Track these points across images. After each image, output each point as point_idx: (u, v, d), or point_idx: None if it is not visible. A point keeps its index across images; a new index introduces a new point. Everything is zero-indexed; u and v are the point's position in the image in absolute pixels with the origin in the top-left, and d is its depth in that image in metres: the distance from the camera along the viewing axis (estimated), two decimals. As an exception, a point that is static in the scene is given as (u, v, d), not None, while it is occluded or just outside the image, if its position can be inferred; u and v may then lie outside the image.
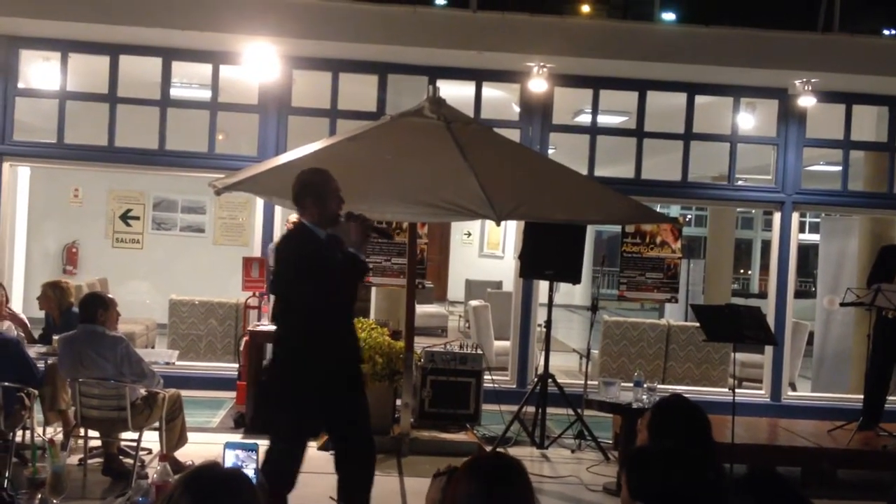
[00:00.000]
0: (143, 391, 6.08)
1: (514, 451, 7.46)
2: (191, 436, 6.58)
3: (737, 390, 9.81)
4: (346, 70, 9.23)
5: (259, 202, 9.19)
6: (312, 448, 7.21)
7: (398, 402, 7.39)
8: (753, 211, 18.63)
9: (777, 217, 9.60)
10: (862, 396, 7.77)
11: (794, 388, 10.11)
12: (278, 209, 9.23)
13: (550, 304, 8.00)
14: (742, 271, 22.33)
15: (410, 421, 7.23)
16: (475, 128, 6.73)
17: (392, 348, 7.31)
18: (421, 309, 14.14)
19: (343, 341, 4.82)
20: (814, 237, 16.40)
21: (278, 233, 9.33)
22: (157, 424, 6.12)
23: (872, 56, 8.92)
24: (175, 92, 9.47)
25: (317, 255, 4.57)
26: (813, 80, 8.86)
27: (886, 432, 7.27)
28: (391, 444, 7.09)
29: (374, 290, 9.92)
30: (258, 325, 8.24)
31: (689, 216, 21.41)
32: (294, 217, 9.03)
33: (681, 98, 9.46)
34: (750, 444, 7.04)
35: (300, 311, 4.66)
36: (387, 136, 6.46)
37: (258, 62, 8.77)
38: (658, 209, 15.41)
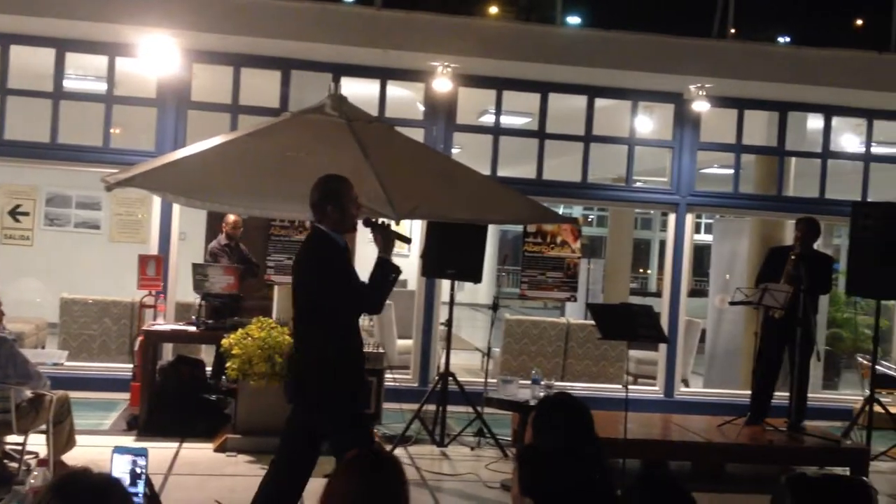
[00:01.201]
0: (29, 393, 5.87)
1: (414, 450, 7.49)
2: (81, 438, 6.40)
3: (632, 387, 10.09)
4: (248, 65, 9.10)
5: (157, 198, 8.98)
6: (208, 450, 7.13)
7: (298, 401, 7.30)
8: (652, 212, 19.12)
9: (672, 218, 9.88)
10: (750, 392, 8.05)
11: (686, 385, 10.41)
12: (177, 206, 9.03)
13: (452, 303, 8.04)
14: (641, 271, 22.86)
15: (310, 421, 7.15)
16: (377, 126, 6.71)
17: (292, 347, 7.21)
18: (325, 307, 14.06)
19: (362, 349, 4.75)
20: (709, 238, 16.92)
21: (176, 230, 9.14)
22: (43, 427, 5.92)
23: (764, 62, 9.24)
24: (69, 84, 9.18)
25: (346, 263, 4.52)
26: (707, 86, 9.14)
27: (772, 427, 7.54)
28: (290, 445, 7.01)
29: (276, 288, 9.79)
30: (153, 325, 8.06)
31: (592, 217, 21.80)
32: (232, 217, 8.93)
33: (582, 101, 9.63)
34: (643, 439, 7.21)
35: (333, 319, 4.52)
36: (287, 133, 6.39)
37: (156, 55, 8.57)
38: (561, 210, 15.73)
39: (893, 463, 8.09)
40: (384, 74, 9.27)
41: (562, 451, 2.69)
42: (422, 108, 9.59)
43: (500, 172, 9.61)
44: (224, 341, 7.23)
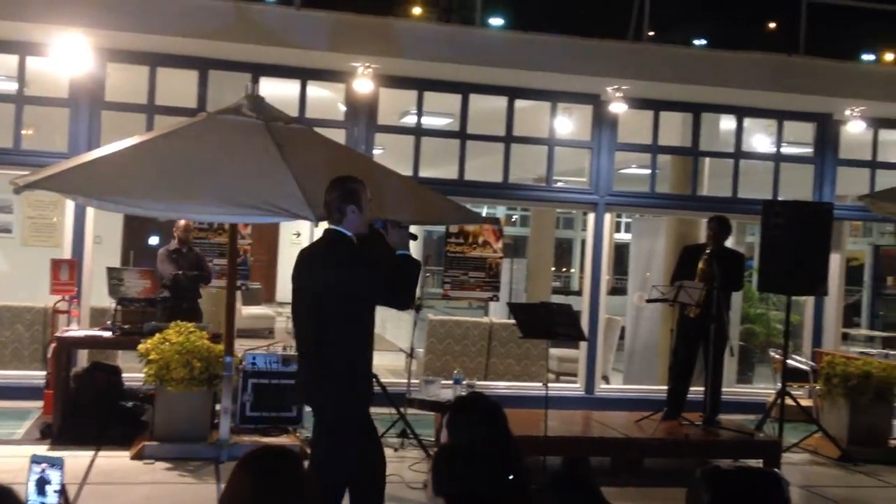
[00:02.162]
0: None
1: (337, 452, 7.45)
2: (-8, 449, 6.21)
3: (554, 384, 10.22)
4: (164, 64, 8.94)
5: (71, 201, 8.75)
6: (125, 457, 6.98)
7: (217, 406, 7.22)
8: (574, 211, 19.36)
9: (591, 217, 10.03)
10: (667, 388, 8.22)
11: (607, 381, 10.58)
12: (91, 208, 8.82)
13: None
14: (564, 269, 23.13)
15: (230, 426, 7.08)
16: (295, 127, 6.67)
17: (211, 352, 7.13)
18: (247, 310, 13.90)
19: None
20: (629, 237, 17.20)
21: (91, 234, 8.93)
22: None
23: (678, 65, 9.46)
24: (-23, 83, 8.90)
25: (372, 260, 4.46)
26: (624, 87, 9.30)
27: (688, 421, 7.71)
28: (209, 451, 6.93)
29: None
30: (67, 331, 7.86)
31: (515, 217, 21.98)
32: (183, 221, 8.70)
33: (502, 102, 9.72)
34: (563, 436, 7.30)
35: (359, 321, 4.47)
36: (203, 135, 6.32)
37: (69, 54, 8.36)
38: (485, 210, 15.82)
39: (805, 454, 8.36)
40: (304, 75, 9.20)
41: (475, 450, 2.71)
42: (343, 108, 9.55)
43: (422, 173, 9.63)
44: (140, 346, 7.10)
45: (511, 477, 2.80)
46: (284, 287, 17.54)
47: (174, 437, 7.02)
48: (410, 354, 8.41)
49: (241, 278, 9.18)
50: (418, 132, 9.64)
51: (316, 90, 9.48)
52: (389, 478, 6.84)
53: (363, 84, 8.93)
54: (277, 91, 8.95)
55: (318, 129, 7.45)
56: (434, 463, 2.75)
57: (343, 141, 9.08)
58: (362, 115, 9.38)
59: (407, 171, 9.38)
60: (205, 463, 6.80)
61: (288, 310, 15.87)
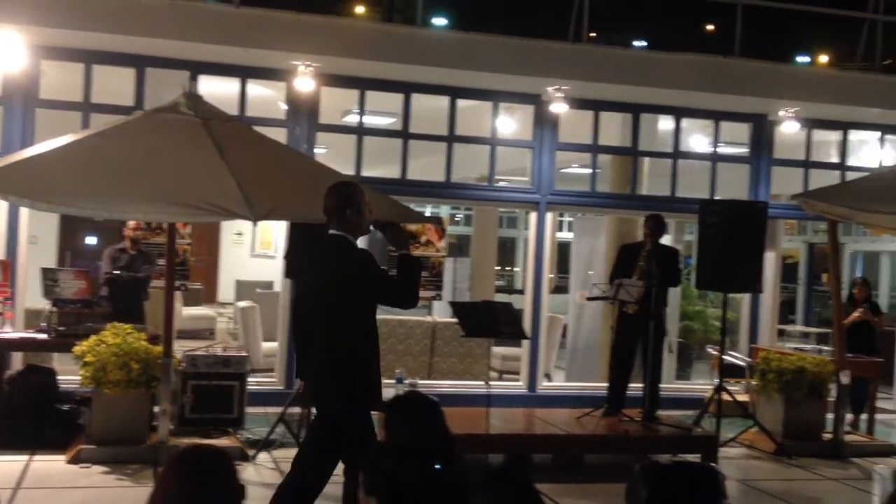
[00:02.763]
0: None
1: (278, 454, 7.40)
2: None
3: (497, 383, 10.29)
4: (100, 62, 8.78)
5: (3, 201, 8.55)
6: (61, 461, 6.85)
7: (156, 408, 7.11)
8: (518, 210, 19.48)
9: (533, 217, 10.10)
10: (607, 384, 8.32)
11: (549, 379, 10.67)
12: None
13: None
14: (508, 268, 23.26)
15: (169, 428, 6.98)
16: (234, 125, 6.61)
17: (149, 353, 7.03)
18: (188, 311, 13.71)
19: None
20: (572, 235, 17.35)
21: (25, 234, 8.73)
22: None
23: (618, 66, 9.58)
24: None
25: (376, 261, 4.59)
26: (564, 88, 9.39)
27: (628, 417, 7.82)
28: (147, 454, 6.83)
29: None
30: (0, 333, 7.68)
31: (459, 216, 22.03)
32: (133, 222, 8.51)
33: (445, 101, 9.74)
34: (506, 433, 7.35)
35: (366, 320, 4.60)
36: (140, 133, 6.23)
37: (2, 51, 8.16)
38: (429, 209, 15.83)
39: (742, 448, 8.53)
40: (244, 73, 9.12)
41: (408, 448, 2.71)
42: (284, 107, 9.48)
43: (365, 172, 9.60)
44: (76, 348, 6.97)
45: (445, 474, 2.80)
46: (226, 287, 17.36)
47: (111, 441, 6.90)
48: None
49: (181, 279, 9.06)
50: (360, 131, 9.62)
51: (256, 88, 9.40)
52: (332, 478, 6.88)
53: (304, 83, 8.87)
54: (217, 89, 8.86)
55: (258, 128, 7.39)
56: (365, 462, 2.74)
57: (284, 140, 9.02)
58: (304, 113, 9.33)
59: (349, 171, 9.36)
60: (143, 466, 6.71)
61: (230, 310, 15.74)
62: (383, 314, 11.62)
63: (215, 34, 8.42)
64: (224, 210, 5.52)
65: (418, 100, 9.67)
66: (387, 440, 3.05)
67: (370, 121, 9.98)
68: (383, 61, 8.99)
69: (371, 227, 4.78)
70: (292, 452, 7.43)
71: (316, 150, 9.59)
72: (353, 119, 9.94)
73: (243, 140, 6.41)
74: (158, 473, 2.32)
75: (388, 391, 7.04)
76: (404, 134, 9.69)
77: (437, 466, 2.64)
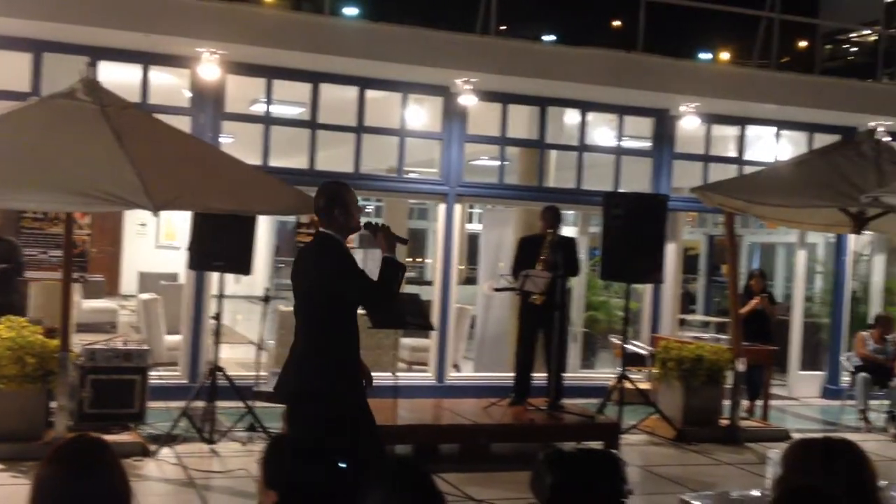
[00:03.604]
0: None
1: (182, 449, 7.28)
2: None
3: (406, 374, 10.31)
4: (-6, 46, 8.46)
5: None
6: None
7: (53, 404, 6.90)
8: (428, 202, 19.53)
9: (441, 208, 10.14)
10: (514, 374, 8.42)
11: (458, 369, 10.74)
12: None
13: (221, 296, 7.88)
14: (419, 260, 23.31)
15: (67, 424, 6.79)
16: (134, 113, 6.44)
17: (45, 347, 6.81)
18: (88, 304, 13.32)
19: None
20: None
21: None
22: None
23: (525, 59, 9.67)
24: None
25: (356, 262, 4.70)
26: (473, 80, 9.44)
27: (534, 407, 7.94)
28: (43, 451, 6.59)
29: (29, 285, 9.19)
30: None
31: (370, 207, 21.97)
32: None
33: (354, 92, 9.68)
34: (413, 424, 7.39)
35: (348, 321, 4.75)
36: (34, 120, 6.02)
37: None
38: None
39: (643, 435, 8.74)
40: (146, 59, 8.90)
41: (309, 442, 2.69)
42: (188, 95, 9.28)
43: (273, 163, 9.49)
44: (-34, 343, 6.71)
45: (346, 468, 2.79)
46: (129, 279, 16.93)
47: (6, 437, 6.68)
48: (260, 346, 8.29)
49: (80, 270, 8.81)
50: (268, 121, 9.49)
51: (159, 75, 9.18)
52: (237, 472, 6.81)
53: (209, 70, 8.71)
54: (118, 76, 8.63)
55: (161, 116, 7.24)
56: (264, 455, 2.72)
57: (188, 129, 8.83)
58: (208, 102, 9.15)
59: (256, 161, 9.23)
60: (37, 463, 6.50)
61: (133, 303, 15.36)
62: (292, 306, 11.53)
63: (116, 19, 8.19)
64: (121, 199, 5.38)
65: (327, 90, 9.59)
66: (288, 433, 3.03)
67: (277, 110, 9.85)
68: (291, 50, 8.89)
69: (362, 228, 4.86)
70: (197, 447, 7.41)
71: (221, 140, 9.43)
72: (260, 108, 9.80)
73: (144, 128, 6.27)
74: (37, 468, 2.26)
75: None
76: (312, 124, 9.61)
77: (340, 462, 2.63)
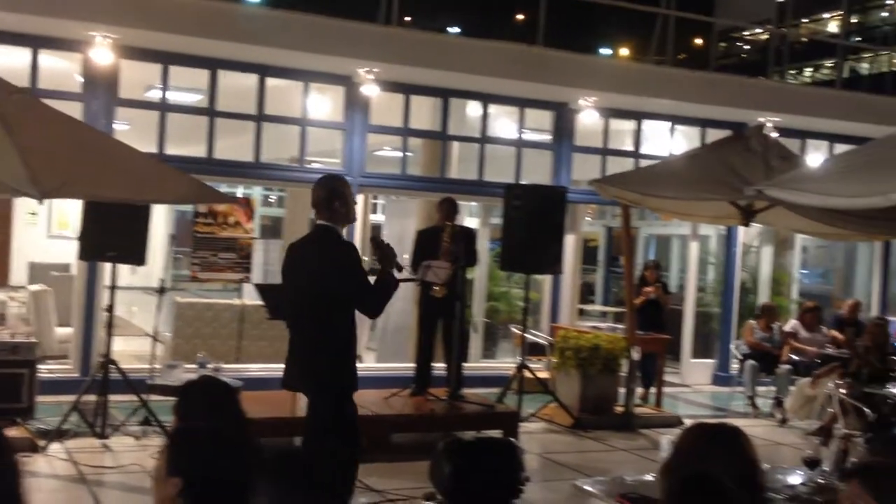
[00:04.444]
0: None
1: (73, 444, 7.08)
2: None
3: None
4: None
5: None
6: None
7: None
8: (332, 192, 19.45)
9: (344, 199, 10.07)
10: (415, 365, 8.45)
11: (360, 360, 10.67)
12: None
13: (114, 287, 7.67)
14: (323, 250, 23.12)
15: (-51, 420, 6.51)
16: (21, 98, 6.20)
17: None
18: (-25, 295, 12.78)
19: None
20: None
21: None
22: None
23: (428, 50, 9.69)
24: None
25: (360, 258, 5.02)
26: (375, 70, 9.41)
27: (434, 397, 7.99)
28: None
29: None
30: None
31: (273, 197, 21.69)
32: None
33: (253, 79, 9.54)
34: (313, 416, 7.32)
35: (346, 311, 4.94)
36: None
37: None
38: (240, 190, 15.48)
39: (541, 423, 8.90)
40: (36, 43, 8.59)
41: (209, 431, 2.67)
42: (80, 80, 8.99)
43: (169, 151, 9.29)
44: None
45: (241, 458, 2.76)
46: (19, 270, 16.29)
47: None
48: (155, 338, 8.11)
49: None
50: (164, 108, 9.27)
51: (50, 60, 8.86)
52: (129, 467, 6.65)
53: (102, 55, 8.46)
54: (6, 60, 8.31)
55: (51, 102, 6.97)
56: (167, 445, 2.68)
57: (80, 115, 8.56)
58: (101, 87, 8.89)
59: (151, 149, 9.04)
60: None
61: (22, 294, 14.79)
62: (189, 297, 11.32)
63: (3, 1, 7.86)
64: (4, 186, 5.18)
65: (226, 77, 9.42)
66: (178, 424, 2.99)
67: (174, 97, 9.63)
68: (188, 35, 8.70)
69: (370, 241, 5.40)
70: (88, 442, 7.21)
71: (115, 127, 9.16)
72: (155, 95, 9.55)
73: (32, 114, 6.03)
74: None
75: (191, 376, 6.89)
76: (211, 112, 9.43)
77: (237, 453, 2.62)
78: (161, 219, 15.97)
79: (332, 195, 4.94)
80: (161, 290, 7.90)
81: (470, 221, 12.47)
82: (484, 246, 11.27)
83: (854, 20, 36.54)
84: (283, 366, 9.72)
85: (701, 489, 2.42)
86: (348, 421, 5.08)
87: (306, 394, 5.18)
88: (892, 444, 3.38)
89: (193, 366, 6.98)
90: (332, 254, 4.88)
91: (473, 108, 10.85)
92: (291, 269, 5.07)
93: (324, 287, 4.86)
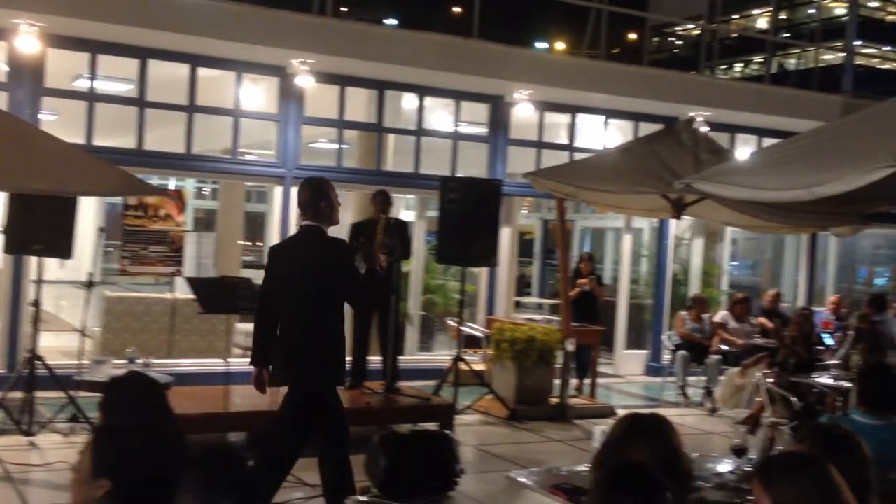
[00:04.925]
0: None
1: (-2, 442, 6.89)
2: None
3: (241, 359, 10.08)
4: None
5: None
6: None
7: None
8: (267, 185, 19.22)
9: (279, 191, 9.99)
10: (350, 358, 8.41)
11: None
12: None
13: (40, 281, 7.48)
14: (259, 244, 22.91)
15: None
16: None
17: None
18: None
19: None
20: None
21: None
22: None
23: (363, 42, 9.62)
24: None
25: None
26: (310, 61, 9.32)
27: (370, 390, 7.96)
28: None
29: None
30: None
31: (206, 190, 21.38)
32: None
33: (184, 69, 9.37)
34: (245, 411, 7.24)
35: (339, 307, 5.12)
36: None
37: None
38: (172, 182, 15.22)
39: (477, 415, 8.93)
40: (-43, 30, 8.32)
41: (137, 429, 2.61)
42: (4, 69, 8.73)
43: (98, 142, 9.09)
44: None
45: (169, 456, 2.72)
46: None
47: None
48: (83, 333, 7.92)
49: None
50: (92, 98, 9.06)
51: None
52: (56, 465, 6.49)
53: (27, 43, 8.24)
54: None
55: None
56: (94, 443, 2.62)
57: (5, 104, 8.33)
58: (27, 77, 8.66)
59: (79, 140, 8.85)
60: None
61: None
62: (120, 291, 11.09)
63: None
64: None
65: (156, 66, 9.24)
66: (103, 421, 2.92)
67: (103, 87, 9.41)
68: (117, 24, 8.52)
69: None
70: (14, 439, 7.02)
71: (41, 117, 8.93)
72: (83, 84, 9.33)
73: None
74: None
75: (120, 372, 6.75)
76: (141, 102, 9.24)
77: (164, 449, 2.57)
78: (90, 211, 15.62)
79: (318, 196, 5.08)
80: (89, 285, 7.72)
81: (406, 214, 12.46)
82: (420, 238, 11.26)
83: (783, 16, 37.43)
84: (216, 360, 9.64)
85: (627, 480, 2.45)
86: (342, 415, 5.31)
87: (305, 388, 5.20)
88: (816, 432, 3.46)
89: (123, 361, 6.84)
90: (322, 248, 5.03)
91: (409, 101, 10.82)
92: (281, 268, 5.18)
93: (321, 283, 5.00)
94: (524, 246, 16.00)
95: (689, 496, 3.10)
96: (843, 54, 22.28)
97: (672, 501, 2.48)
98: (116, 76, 9.78)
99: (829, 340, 10.53)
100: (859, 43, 36.98)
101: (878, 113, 6.01)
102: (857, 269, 18.48)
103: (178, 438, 2.98)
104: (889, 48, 35.59)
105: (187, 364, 9.41)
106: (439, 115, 11.18)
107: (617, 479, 2.47)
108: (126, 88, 9.89)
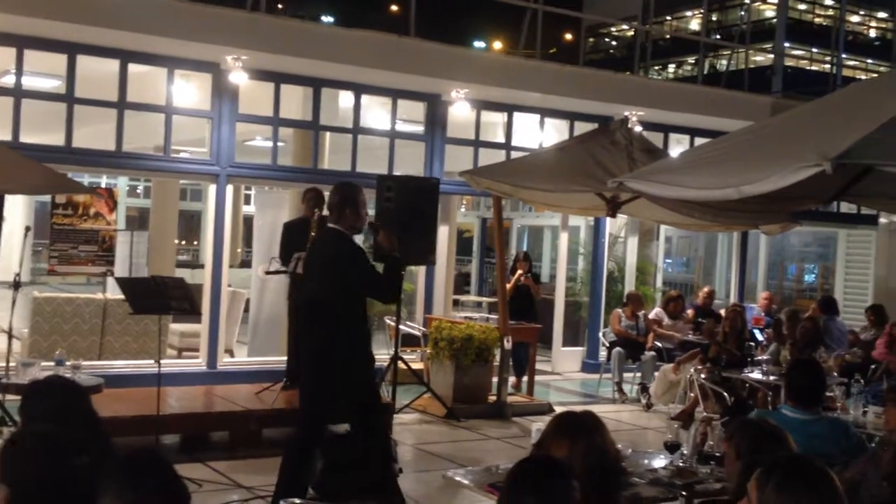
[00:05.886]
0: None
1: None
2: None
3: (175, 360, 9.97)
4: None
5: None
6: None
7: None
8: (202, 183, 18.95)
9: (212, 189, 9.83)
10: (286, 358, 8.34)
11: (232, 355, 10.51)
12: None
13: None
14: (194, 242, 22.59)
15: None
16: None
17: None
18: None
19: None
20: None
21: None
22: None
23: (298, 39, 9.52)
24: None
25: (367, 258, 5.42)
26: (244, 57, 9.19)
27: (307, 389, 7.88)
28: None
29: None
30: None
31: (140, 188, 21.03)
32: None
33: (115, 65, 9.17)
34: (179, 413, 7.16)
35: (358, 309, 5.36)
36: None
37: None
38: (104, 180, 14.92)
39: (416, 414, 8.93)
40: None
41: (45, 435, 2.53)
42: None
43: (24, 138, 8.84)
44: None
45: (82, 461, 2.64)
46: None
47: None
48: (10, 335, 7.71)
49: None
50: (18, 94, 8.82)
51: None
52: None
53: (-51, 36, 7.97)
54: None
55: None
56: (1, 450, 2.55)
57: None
58: (-51, 71, 8.38)
59: (5, 136, 8.62)
60: None
61: None
62: (50, 293, 10.82)
63: None
64: None
65: (85, 62, 9.02)
66: (23, 427, 2.84)
67: (30, 82, 9.17)
68: (44, 18, 8.28)
69: (366, 227, 5.62)
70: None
71: (-36, 113, 8.66)
72: (9, 80, 9.06)
73: None
74: None
75: (49, 374, 6.58)
76: (69, 98, 9.01)
77: (81, 454, 2.50)
78: (19, 210, 15.24)
79: (345, 202, 5.34)
80: (16, 285, 7.50)
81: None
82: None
83: (714, 18, 38.14)
84: (149, 362, 9.47)
85: (528, 475, 2.46)
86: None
87: (334, 388, 5.42)
88: (744, 428, 3.54)
89: (51, 364, 6.67)
90: (341, 254, 5.30)
91: (346, 98, 10.75)
92: (312, 269, 5.54)
93: (336, 284, 5.27)
94: (463, 244, 16.05)
95: (619, 492, 3.13)
96: (773, 56, 22.78)
97: (599, 497, 2.49)
98: (44, 72, 9.54)
99: (759, 336, 10.76)
100: (788, 45, 37.90)
101: (806, 113, 6.15)
102: (787, 266, 18.94)
103: (100, 443, 2.91)
104: (817, 50, 36.51)
105: (119, 366, 9.22)
106: (376, 113, 11.12)
107: (519, 474, 2.48)
108: (54, 84, 9.65)
